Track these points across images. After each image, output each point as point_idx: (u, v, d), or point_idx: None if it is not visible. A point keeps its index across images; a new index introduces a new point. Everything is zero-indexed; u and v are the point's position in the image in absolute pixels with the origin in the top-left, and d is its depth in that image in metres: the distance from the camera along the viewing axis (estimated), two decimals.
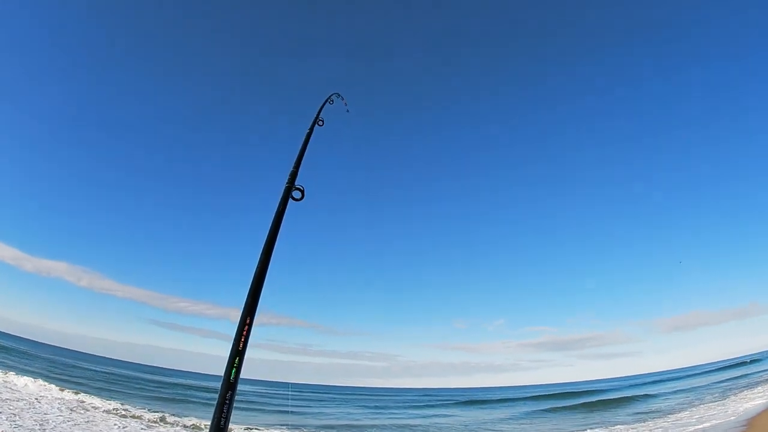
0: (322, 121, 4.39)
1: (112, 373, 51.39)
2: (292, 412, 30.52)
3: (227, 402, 2.48)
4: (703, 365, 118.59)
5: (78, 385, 29.57)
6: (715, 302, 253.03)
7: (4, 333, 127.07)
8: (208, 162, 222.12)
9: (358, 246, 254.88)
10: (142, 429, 15.50)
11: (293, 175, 3.59)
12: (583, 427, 20.47)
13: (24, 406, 15.27)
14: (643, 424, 19.57)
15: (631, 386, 56.82)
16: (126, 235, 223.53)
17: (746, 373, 49.08)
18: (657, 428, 17.22)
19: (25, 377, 21.78)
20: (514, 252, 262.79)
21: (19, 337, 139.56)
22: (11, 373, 22.47)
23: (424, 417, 32.45)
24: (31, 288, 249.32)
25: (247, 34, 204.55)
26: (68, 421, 14.35)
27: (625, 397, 35.94)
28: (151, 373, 73.17)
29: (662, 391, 39.55)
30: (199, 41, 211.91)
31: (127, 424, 15.56)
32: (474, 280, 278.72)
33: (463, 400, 52.78)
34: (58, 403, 17.58)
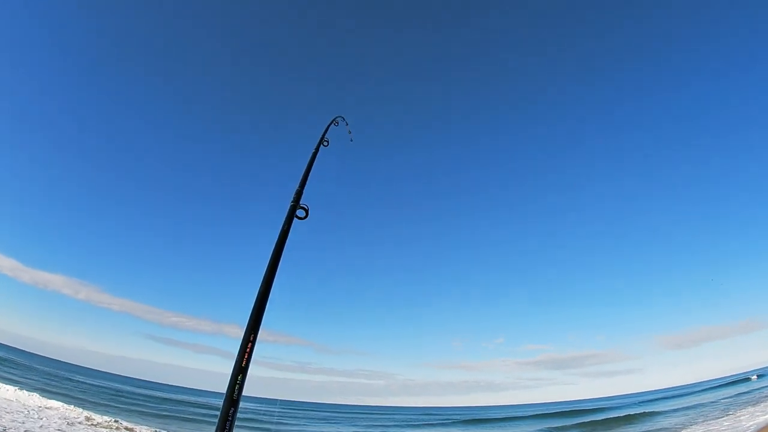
0: (327, 142, 4.46)
1: (108, 387, 50.90)
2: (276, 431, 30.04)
3: (230, 419, 2.48)
4: (706, 381, 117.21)
5: (72, 399, 29.34)
6: (716, 317, 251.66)
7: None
8: (207, 178, 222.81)
9: (356, 265, 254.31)
10: None
11: (298, 194, 3.64)
12: None
13: (15, 419, 15.12)
14: None
15: (635, 404, 55.92)
16: (123, 248, 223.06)
17: (751, 389, 48.68)
18: None
19: (18, 390, 21.61)
20: (513, 270, 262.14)
21: (15, 348, 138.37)
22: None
23: None
24: (28, 299, 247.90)
25: (255, 52, 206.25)
26: None
27: (630, 415, 35.40)
28: (146, 388, 72.37)
29: (667, 409, 38.92)
30: (205, 55, 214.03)
31: None
32: (473, 299, 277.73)
33: (466, 419, 51.85)
34: (53, 417, 17.42)
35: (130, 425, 18.27)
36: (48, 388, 31.18)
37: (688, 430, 22.65)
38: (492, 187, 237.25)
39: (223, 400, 2.51)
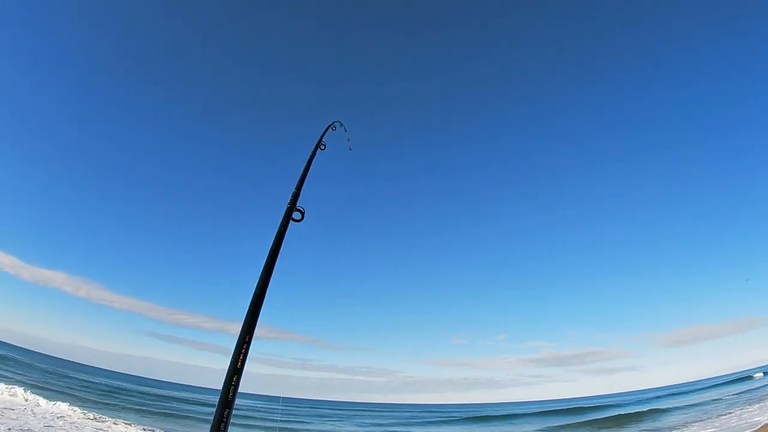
0: (324, 145, 4.48)
1: (108, 385, 50.99)
2: (280, 429, 30.02)
3: (224, 420, 2.48)
4: (707, 379, 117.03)
5: (71, 397, 29.45)
6: (716, 315, 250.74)
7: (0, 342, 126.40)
8: (208, 175, 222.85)
9: (357, 261, 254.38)
10: None
11: (295, 197, 3.66)
12: None
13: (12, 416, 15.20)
14: None
15: (641, 401, 55.89)
16: (125, 246, 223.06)
17: (755, 386, 48.72)
18: None
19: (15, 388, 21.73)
20: (515, 267, 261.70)
21: (16, 347, 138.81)
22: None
23: None
24: (28, 297, 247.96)
25: (252, 53, 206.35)
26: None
27: (641, 412, 35.42)
28: (148, 386, 72.47)
29: (674, 406, 38.80)
30: (204, 55, 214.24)
31: None
32: (475, 296, 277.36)
33: (471, 416, 51.57)
34: (49, 415, 17.49)
35: (124, 422, 18.30)
36: (44, 386, 31.35)
37: (702, 424, 22.75)
38: (494, 185, 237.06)
39: (217, 401, 2.52)
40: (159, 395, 49.83)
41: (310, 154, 4.21)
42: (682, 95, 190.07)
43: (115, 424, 18.42)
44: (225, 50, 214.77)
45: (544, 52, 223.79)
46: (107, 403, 29.58)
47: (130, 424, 19.04)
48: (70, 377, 52.39)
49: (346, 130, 5.01)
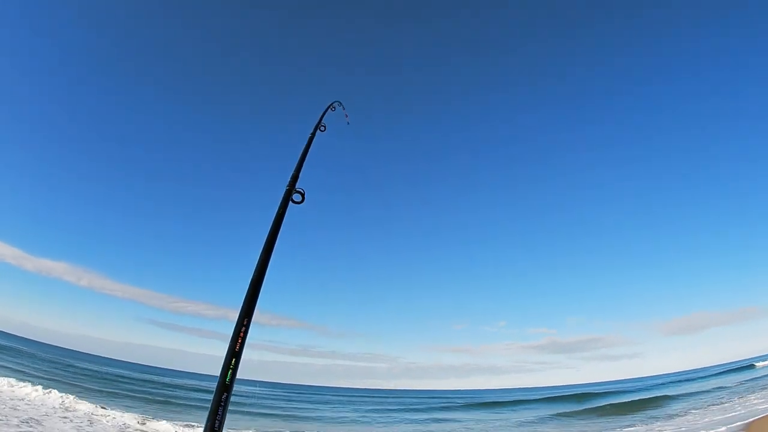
0: (324, 127, 4.44)
1: (111, 374, 51.39)
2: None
3: (222, 404, 2.44)
4: (708, 368, 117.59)
5: (74, 387, 29.69)
6: (717, 304, 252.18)
7: (4, 333, 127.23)
8: (206, 161, 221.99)
9: (358, 248, 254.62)
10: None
11: (294, 178, 3.61)
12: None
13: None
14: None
15: (644, 388, 56.16)
16: (125, 234, 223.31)
17: (757, 375, 49.00)
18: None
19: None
20: (517, 253, 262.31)
21: (21, 338, 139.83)
22: None
23: (443, 421, 32.03)
24: (31, 288, 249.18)
25: (248, 40, 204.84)
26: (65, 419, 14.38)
27: (649, 399, 35.67)
28: (152, 374, 72.98)
29: (678, 393, 39.02)
30: (201, 45, 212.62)
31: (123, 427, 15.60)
32: (476, 282, 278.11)
33: (474, 402, 51.69)
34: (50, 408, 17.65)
35: (121, 412, 18.42)
36: (45, 376, 31.60)
37: (688, 416, 22.86)
38: (494, 170, 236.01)
39: (216, 385, 2.47)
40: (161, 383, 50.15)
41: (309, 135, 4.16)
42: (685, 92, 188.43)
43: (103, 408, 18.60)
44: (222, 31, 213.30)
45: (552, 34, 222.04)
46: (110, 392, 29.82)
47: (128, 413, 19.22)
48: (73, 366, 52.80)
49: (344, 109, 4.99)
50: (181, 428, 16.44)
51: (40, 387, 20.25)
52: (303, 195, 3.49)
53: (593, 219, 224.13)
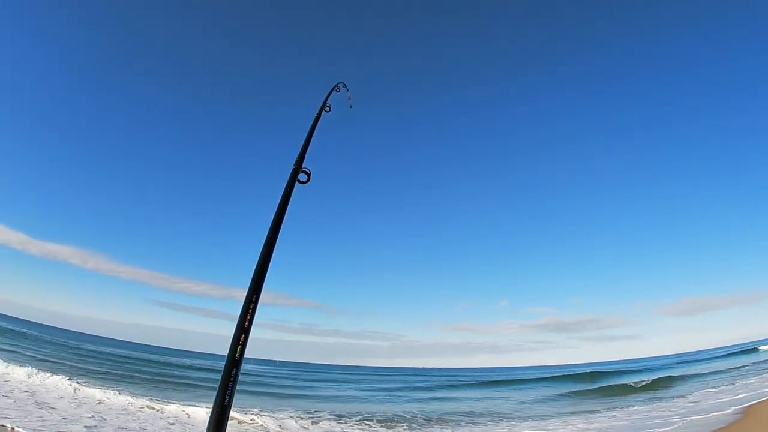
0: (329, 108, 4.47)
1: (118, 355, 52.05)
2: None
3: (231, 380, 2.50)
4: (711, 350, 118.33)
5: (79, 369, 30.11)
6: (718, 287, 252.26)
7: (10, 317, 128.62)
8: (209, 142, 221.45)
9: (362, 228, 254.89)
10: (139, 411, 15.78)
11: (300, 158, 3.65)
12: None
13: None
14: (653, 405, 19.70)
15: (655, 368, 56.50)
16: (130, 217, 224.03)
17: (762, 359, 49.38)
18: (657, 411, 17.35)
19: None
20: (518, 232, 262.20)
21: (26, 320, 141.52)
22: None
23: (455, 399, 32.22)
24: (37, 272, 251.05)
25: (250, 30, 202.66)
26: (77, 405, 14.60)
27: (661, 378, 36.39)
28: (156, 354, 73.76)
29: (679, 375, 39.38)
30: (202, 35, 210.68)
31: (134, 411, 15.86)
32: (478, 262, 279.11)
33: (484, 380, 52.25)
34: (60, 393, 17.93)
35: (125, 396, 18.66)
36: (49, 359, 32.02)
37: (689, 397, 23.11)
38: (498, 152, 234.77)
39: (225, 361, 2.53)
40: (168, 363, 50.65)
41: (315, 115, 4.19)
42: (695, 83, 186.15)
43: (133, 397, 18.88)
44: (221, 32, 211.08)
45: (554, 24, 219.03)
46: (116, 374, 30.21)
47: (134, 394, 19.54)
48: (79, 348, 53.53)
49: (348, 90, 4.98)
50: (185, 407, 16.64)
51: (48, 372, 20.59)
52: (309, 175, 3.53)
53: (597, 201, 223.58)
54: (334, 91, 4.75)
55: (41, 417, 12.06)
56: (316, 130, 4.04)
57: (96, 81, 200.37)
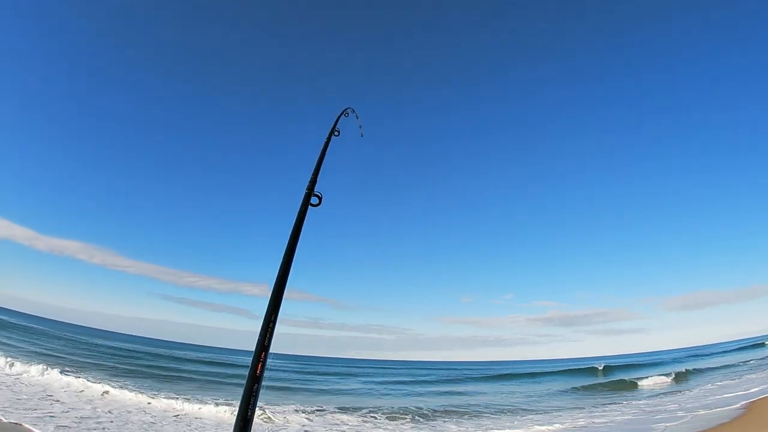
0: (338, 132, 4.62)
1: (124, 349, 52.57)
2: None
3: (254, 394, 2.72)
4: (717, 344, 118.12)
5: (86, 364, 30.48)
6: (723, 282, 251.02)
7: (18, 312, 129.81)
8: (216, 138, 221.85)
9: (366, 222, 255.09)
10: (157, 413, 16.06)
11: (312, 183, 3.82)
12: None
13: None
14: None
15: (653, 364, 56.70)
16: (137, 212, 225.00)
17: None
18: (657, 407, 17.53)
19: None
20: (524, 226, 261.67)
21: (33, 315, 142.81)
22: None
23: (460, 394, 32.42)
24: (44, 267, 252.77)
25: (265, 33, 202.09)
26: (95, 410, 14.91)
27: (682, 372, 36.81)
28: (163, 347, 74.27)
29: (684, 370, 39.43)
30: (214, 33, 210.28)
31: (150, 412, 16.14)
32: (483, 255, 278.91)
33: (494, 374, 52.43)
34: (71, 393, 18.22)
35: (128, 392, 18.94)
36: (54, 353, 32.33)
37: (693, 391, 23.25)
38: (504, 146, 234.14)
39: (246, 377, 2.74)
40: (173, 357, 50.94)
41: (324, 140, 4.34)
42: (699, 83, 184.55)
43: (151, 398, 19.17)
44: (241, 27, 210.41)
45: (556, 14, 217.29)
46: (121, 368, 30.58)
47: (138, 389, 19.82)
48: (87, 343, 54.07)
49: (357, 118, 5.07)
50: (181, 404, 16.73)
51: (51, 367, 20.92)
52: (320, 198, 3.70)
53: (603, 195, 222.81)
54: (343, 115, 4.86)
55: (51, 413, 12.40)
56: (326, 153, 4.14)
57: (101, 77, 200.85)
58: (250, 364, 2.75)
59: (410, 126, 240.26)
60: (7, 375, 18.58)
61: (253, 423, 2.70)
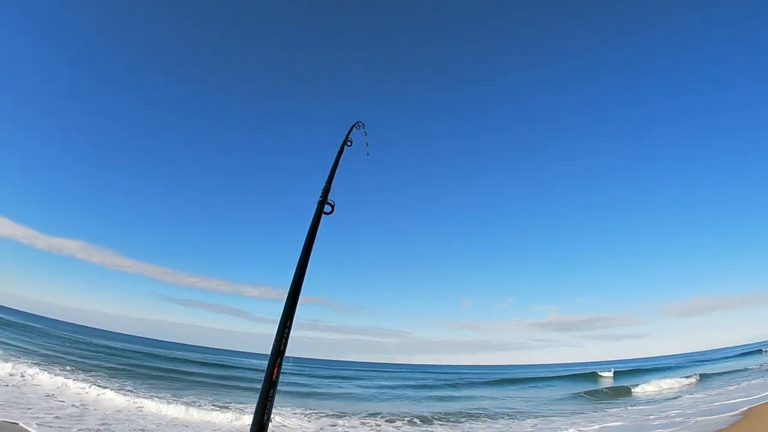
0: (351, 142, 4.74)
1: (123, 349, 52.55)
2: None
3: (270, 399, 2.79)
4: (716, 350, 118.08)
5: (82, 363, 30.48)
6: (723, 287, 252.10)
7: (18, 311, 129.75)
8: (217, 139, 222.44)
9: (367, 225, 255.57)
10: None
11: (325, 191, 3.91)
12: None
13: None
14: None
15: (654, 369, 56.63)
16: (138, 213, 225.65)
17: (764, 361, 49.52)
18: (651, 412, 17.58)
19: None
20: (525, 230, 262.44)
21: (32, 314, 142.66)
22: None
23: (460, 399, 32.30)
24: (44, 266, 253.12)
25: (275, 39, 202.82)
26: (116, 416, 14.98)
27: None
28: (162, 348, 74.05)
29: (686, 375, 39.52)
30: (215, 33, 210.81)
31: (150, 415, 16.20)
32: (485, 259, 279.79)
33: (498, 378, 52.50)
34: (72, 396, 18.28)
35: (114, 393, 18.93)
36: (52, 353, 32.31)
37: (689, 397, 23.25)
38: (505, 149, 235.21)
39: (262, 382, 2.81)
40: (171, 358, 50.84)
41: (337, 150, 4.46)
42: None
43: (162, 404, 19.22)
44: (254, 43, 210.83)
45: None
46: (116, 368, 30.56)
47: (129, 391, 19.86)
48: (87, 343, 54.06)
49: (366, 134, 5.16)
50: (166, 405, 16.59)
51: (50, 367, 20.93)
52: (333, 206, 3.80)
53: (605, 200, 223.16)
54: (354, 128, 4.96)
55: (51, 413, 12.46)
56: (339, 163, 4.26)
57: (101, 76, 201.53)
58: (266, 369, 2.82)
59: (411, 127, 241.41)
60: (4, 374, 18.58)
61: (248, 427, 2.76)
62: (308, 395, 29.69)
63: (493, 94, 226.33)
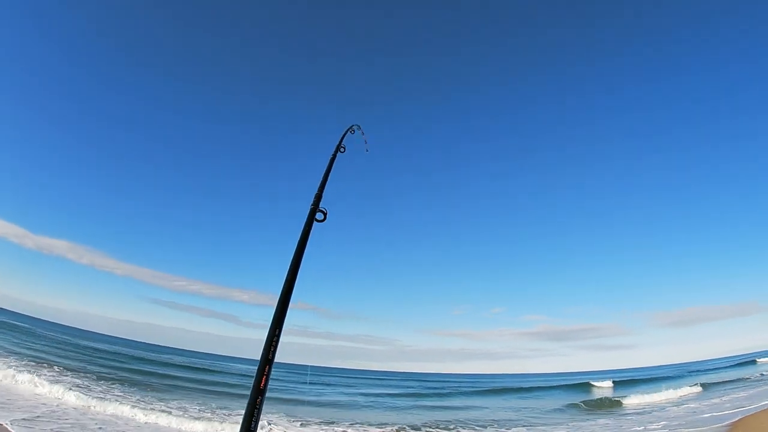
0: (344, 148, 4.69)
1: (107, 351, 51.93)
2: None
3: (257, 407, 2.76)
4: (708, 361, 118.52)
5: (71, 363, 30.06)
6: (715, 297, 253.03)
7: (6, 310, 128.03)
8: (208, 141, 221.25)
9: (358, 232, 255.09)
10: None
11: (317, 198, 3.88)
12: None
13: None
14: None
15: (642, 380, 56.76)
16: (127, 214, 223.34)
17: (758, 372, 49.72)
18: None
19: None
20: (515, 239, 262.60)
21: (19, 313, 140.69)
22: None
23: (448, 408, 32.00)
24: (32, 265, 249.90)
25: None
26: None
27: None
28: (149, 351, 73.32)
29: (676, 386, 39.45)
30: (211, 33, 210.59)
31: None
32: (474, 267, 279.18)
33: (488, 388, 52.21)
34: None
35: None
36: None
37: (677, 408, 23.32)
38: (495, 160, 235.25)
39: (251, 389, 2.78)
40: (157, 361, 50.35)
41: (330, 157, 4.41)
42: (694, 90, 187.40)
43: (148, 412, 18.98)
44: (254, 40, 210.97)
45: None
46: (98, 372, 30.18)
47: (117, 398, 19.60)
48: (73, 344, 53.34)
49: (363, 134, 5.13)
50: (152, 412, 16.23)
51: (37, 368, 20.63)
52: (325, 214, 3.76)
53: (596, 210, 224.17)
54: (349, 132, 4.92)
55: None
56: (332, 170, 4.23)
57: (99, 76, 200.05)
58: (254, 377, 2.79)
59: (404, 133, 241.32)
60: None
61: None
62: (294, 402, 29.44)
63: (483, 100, 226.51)
